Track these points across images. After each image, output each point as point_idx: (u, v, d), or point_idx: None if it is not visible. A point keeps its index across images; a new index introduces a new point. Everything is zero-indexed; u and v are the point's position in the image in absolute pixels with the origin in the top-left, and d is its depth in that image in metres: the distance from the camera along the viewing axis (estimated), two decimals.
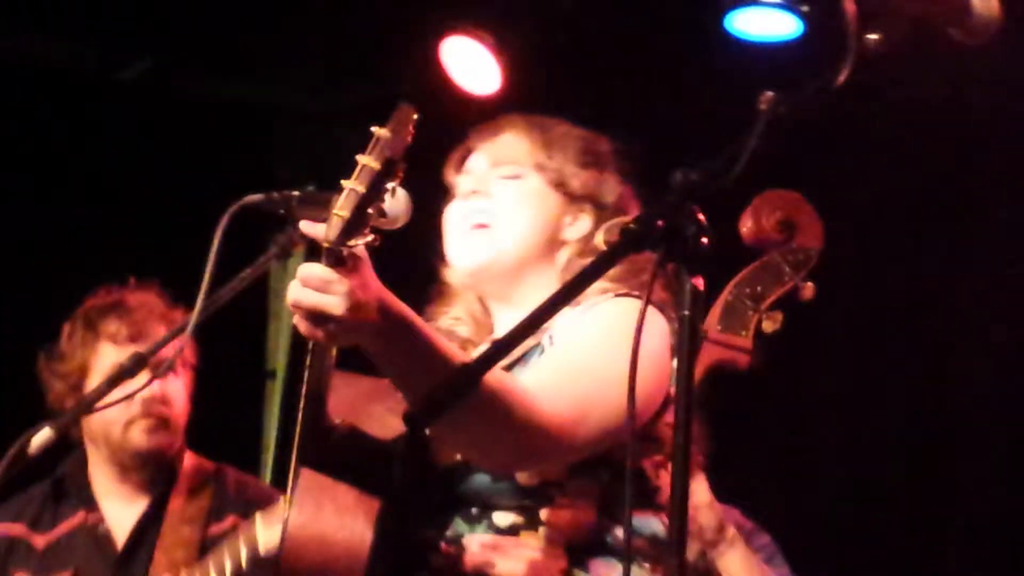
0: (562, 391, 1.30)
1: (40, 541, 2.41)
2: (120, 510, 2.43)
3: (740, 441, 2.81)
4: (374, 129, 1.15)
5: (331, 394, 1.45)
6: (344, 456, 1.41)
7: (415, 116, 1.18)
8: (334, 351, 1.38)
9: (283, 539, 1.37)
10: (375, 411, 1.43)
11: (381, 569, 1.35)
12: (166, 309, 2.40)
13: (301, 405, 1.42)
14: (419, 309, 1.41)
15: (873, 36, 1.13)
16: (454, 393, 0.98)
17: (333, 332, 1.17)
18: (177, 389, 2.39)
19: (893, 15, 1.16)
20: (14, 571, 2.40)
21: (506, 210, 1.52)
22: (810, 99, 1.13)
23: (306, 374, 1.41)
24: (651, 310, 1.22)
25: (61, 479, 2.46)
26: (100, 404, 1.92)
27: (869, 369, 3.31)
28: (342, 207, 1.12)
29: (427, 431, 1.24)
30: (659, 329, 1.38)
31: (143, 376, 1.80)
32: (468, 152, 1.61)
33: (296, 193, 1.63)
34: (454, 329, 1.56)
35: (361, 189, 1.11)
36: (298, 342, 2.64)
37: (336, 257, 1.12)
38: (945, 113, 3.02)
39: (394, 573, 1.38)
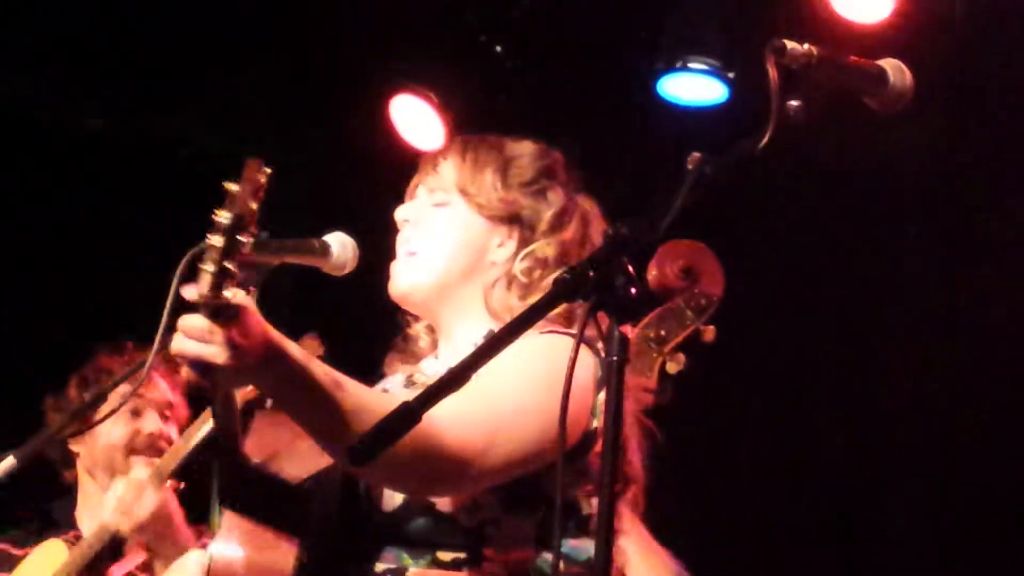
0: (474, 418, 1.31)
1: (20, 552, 2.53)
2: None
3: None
4: (226, 184, 1.20)
5: (254, 434, 1.49)
6: (263, 495, 1.44)
7: (266, 170, 1.22)
8: (236, 396, 1.44)
9: None
10: (300, 447, 1.45)
11: None
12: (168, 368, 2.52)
13: (213, 449, 1.47)
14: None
15: (795, 103, 1.22)
16: (394, 430, 1.02)
17: (219, 379, 1.24)
18: (172, 430, 2.55)
19: (814, 84, 1.25)
20: None
21: (431, 237, 1.54)
22: (735, 161, 1.22)
23: (213, 420, 1.45)
24: (562, 342, 1.33)
25: (49, 511, 2.61)
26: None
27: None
28: (206, 262, 1.17)
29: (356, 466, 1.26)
30: (585, 363, 1.37)
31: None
32: (416, 184, 1.64)
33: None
34: (419, 337, 1.61)
35: (219, 244, 1.16)
36: None
37: (212, 309, 1.17)
38: (845, 166, 3.22)
39: None
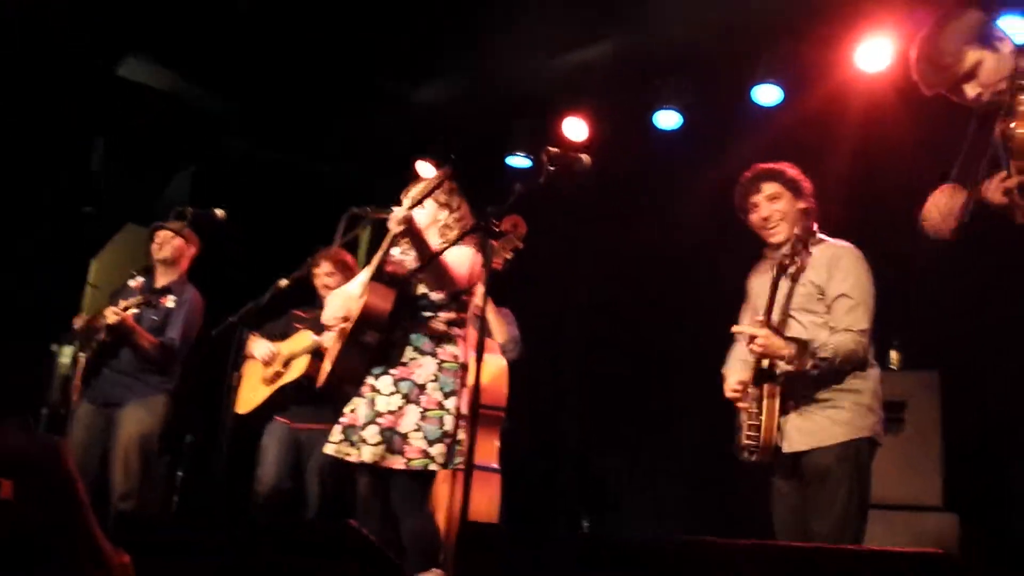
0: (457, 265, 3.58)
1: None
2: None
3: None
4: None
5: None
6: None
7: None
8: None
9: None
10: None
11: None
12: None
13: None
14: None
15: (552, 168, 3.50)
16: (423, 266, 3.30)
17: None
18: None
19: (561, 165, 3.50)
20: None
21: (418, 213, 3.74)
22: (531, 187, 3.49)
23: None
24: (471, 249, 3.55)
25: None
26: None
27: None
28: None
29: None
30: (469, 252, 3.61)
31: None
32: None
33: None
34: (404, 258, 3.80)
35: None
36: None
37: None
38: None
39: None
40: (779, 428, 3.43)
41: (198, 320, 5.09)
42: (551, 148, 3.37)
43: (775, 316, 3.47)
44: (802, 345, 3.39)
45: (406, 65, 6.08)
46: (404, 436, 3.52)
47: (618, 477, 6.38)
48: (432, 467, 3.51)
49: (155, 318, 5.01)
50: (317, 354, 4.66)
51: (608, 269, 6.47)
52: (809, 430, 3.41)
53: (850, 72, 5.43)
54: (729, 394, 3.58)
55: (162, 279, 5.15)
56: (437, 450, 3.51)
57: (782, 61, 5.55)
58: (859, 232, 5.50)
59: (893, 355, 5.19)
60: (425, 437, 3.53)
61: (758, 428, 3.40)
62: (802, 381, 3.42)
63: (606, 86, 6.01)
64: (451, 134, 6.45)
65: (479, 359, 3.00)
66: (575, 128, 6.18)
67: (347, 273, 4.85)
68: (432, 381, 3.61)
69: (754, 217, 3.70)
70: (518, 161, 6.45)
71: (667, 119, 5.97)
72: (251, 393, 4.88)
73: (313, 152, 6.97)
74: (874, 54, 5.32)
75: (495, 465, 4.76)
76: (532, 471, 6.02)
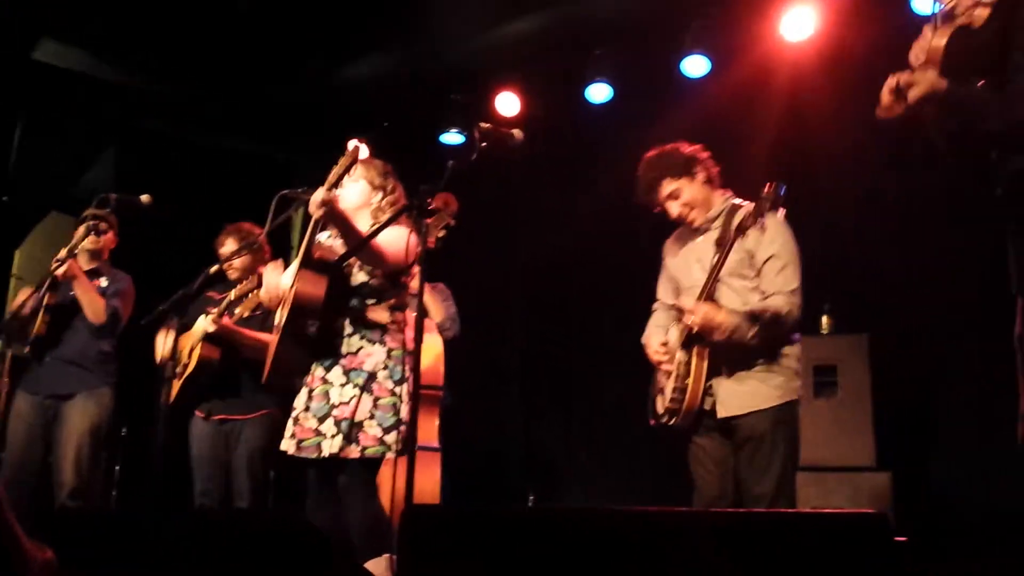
0: (392, 246, 3.54)
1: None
2: None
3: None
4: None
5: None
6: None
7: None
8: None
9: None
10: None
11: None
12: None
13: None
14: None
15: (484, 144, 3.49)
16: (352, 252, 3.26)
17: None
18: None
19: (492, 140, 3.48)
20: None
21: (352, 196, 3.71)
22: (457, 167, 3.45)
23: None
24: (406, 229, 3.53)
25: None
26: None
27: None
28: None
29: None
30: (404, 231, 3.52)
31: None
32: None
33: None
34: (333, 243, 3.75)
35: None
36: None
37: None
38: None
39: None
40: (709, 392, 3.48)
41: (131, 301, 4.97)
42: (483, 124, 3.34)
43: (705, 284, 3.52)
44: (742, 316, 3.44)
45: (335, 41, 5.99)
46: (360, 425, 3.51)
47: (562, 451, 6.43)
48: (389, 455, 3.50)
49: None
50: (211, 338, 4.60)
51: (543, 242, 6.48)
52: (744, 394, 3.47)
53: (775, 42, 5.50)
54: (654, 357, 3.62)
55: (89, 264, 5.00)
56: (392, 437, 3.50)
57: (709, 32, 5.60)
58: (787, 199, 5.62)
59: (824, 320, 5.30)
60: (380, 425, 3.52)
61: (684, 391, 3.45)
62: (735, 346, 3.45)
63: (537, 60, 6.00)
64: (383, 111, 6.39)
65: (418, 341, 2.98)
66: (507, 103, 6.17)
67: (253, 251, 4.78)
68: (382, 369, 3.59)
69: (670, 214, 3.71)
70: (451, 137, 6.41)
71: (598, 92, 5.99)
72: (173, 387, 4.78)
73: (240, 132, 6.84)
74: (798, 23, 5.39)
75: (435, 444, 4.76)
76: (476, 448, 6.04)
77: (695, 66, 5.69)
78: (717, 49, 5.64)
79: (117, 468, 5.02)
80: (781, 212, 3.63)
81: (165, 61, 6.09)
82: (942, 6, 2.64)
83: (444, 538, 2.10)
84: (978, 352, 4.79)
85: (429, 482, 4.59)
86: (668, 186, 3.66)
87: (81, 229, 4.79)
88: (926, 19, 2.71)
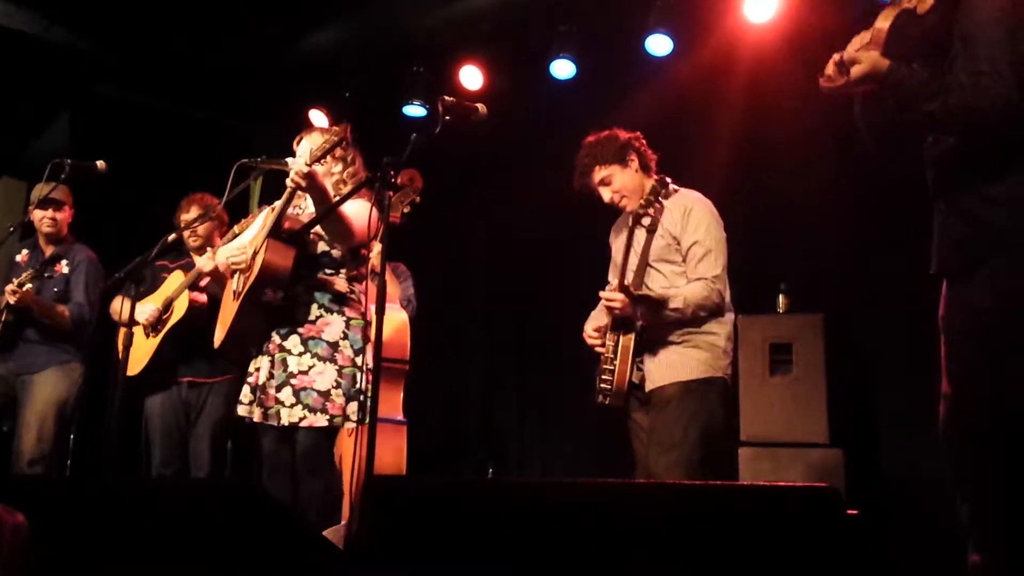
0: (358, 220, 3.52)
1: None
2: None
3: None
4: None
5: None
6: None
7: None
8: None
9: None
10: None
11: None
12: None
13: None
14: None
15: (448, 119, 3.48)
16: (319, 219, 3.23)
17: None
18: None
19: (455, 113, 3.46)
20: None
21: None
22: (425, 138, 3.43)
23: None
24: (368, 203, 3.50)
25: None
26: None
27: None
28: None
29: None
30: (367, 206, 3.50)
31: None
32: None
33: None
34: (299, 212, 3.73)
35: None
36: None
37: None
38: None
39: None
40: (639, 370, 3.58)
41: (100, 275, 4.97)
42: (447, 98, 3.32)
43: (635, 269, 3.61)
44: (654, 300, 3.54)
45: (295, 8, 5.91)
46: (325, 394, 3.50)
47: (520, 426, 6.47)
48: (349, 424, 3.51)
49: (56, 288, 4.91)
50: (194, 286, 4.65)
51: (506, 219, 6.49)
52: (667, 365, 3.58)
53: (738, 22, 5.53)
54: (588, 342, 3.70)
55: (48, 248, 5.02)
56: (352, 408, 3.51)
57: (672, 12, 5.61)
58: (748, 179, 5.69)
59: (780, 299, 5.38)
60: (344, 394, 3.52)
61: (612, 372, 3.55)
62: (663, 326, 3.58)
63: (501, 35, 5.97)
64: (345, 81, 6.33)
65: (380, 313, 2.98)
66: (471, 77, 6.14)
67: (214, 218, 4.81)
68: (343, 339, 3.59)
69: (603, 199, 3.80)
70: (414, 110, 6.37)
71: (562, 69, 5.98)
72: (139, 352, 4.75)
73: (199, 100, 6.73)
74: (761, 5, 5.42)
75: (400, 417, 4.77)
76: (436, 421, 6.05)
77: (659, 45, 5.70)
78: (680, 29, 5.65)
79: (71, 437, 4.97)
80: (696, 195, 3.71)
81: (120, 25, 5.96)
82: None
83: (404, 508, 2.11)
84: (931, 332, 4.88)
85: (393, 454, 4.59)
86: (600, 172, 3.76)
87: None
88: (885, 3, 2.77)
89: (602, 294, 3.63)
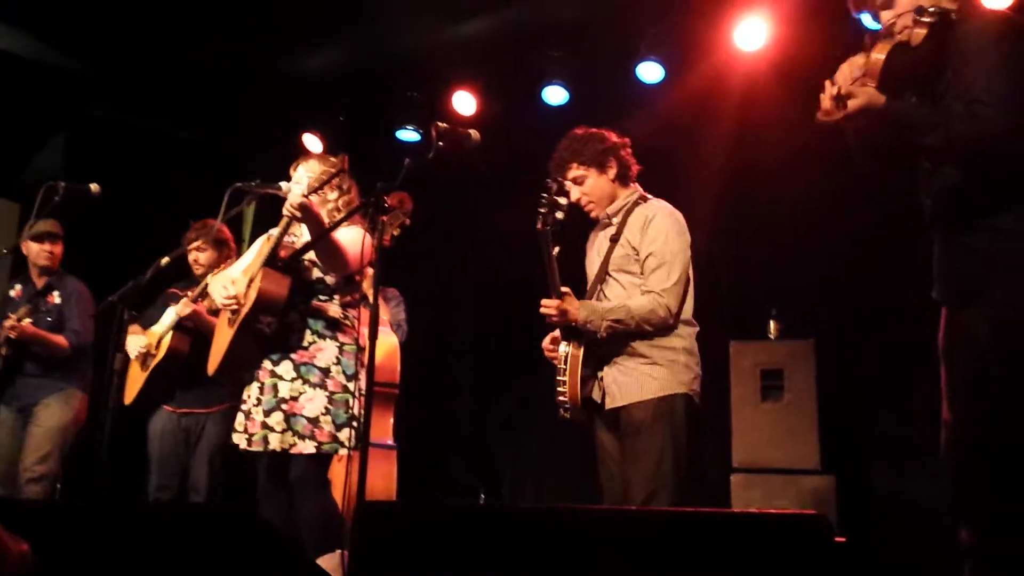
0: (352, 248, 3.53)
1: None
2: None
3: None
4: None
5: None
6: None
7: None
8: None
9: None
10: None
11: None
12: None
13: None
14: None
15: (441, 144, 3.50)
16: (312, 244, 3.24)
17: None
18: None
19: (449, 140, 3.50)
20: None
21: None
22: (419, 164, 3.46)
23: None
24: (361, 230, 3.52)
25: None
26: None
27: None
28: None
29: None
30: (361, 233, 3.51)
31: None
32: None
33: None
34: (295, 240, 3.73)
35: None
36: None
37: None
38: None
39: None
40: (595, 383, 3.51)
41: (91, 304, 5.07)
42: (440, 123, 3.34)
43: (593, 278, 3.61)
44: (597, 309, 3.48)
45: (289, 33, 5.94)
46: (314, 420, 3.50)
47: (511, 446, 6.46)
48: (342, 451, 3.50)
49: (50, 319, 5.00)
50: (179, 327, 4.64)
51: (496, 243, 6.50)
52: (627, 385, 3.50)
53: (729, 51, 5.58)
54: (545, 353, 3.68)
55: (40, 280, 5.12)
56: (345, 434, 3.50)
57: (663, 40, 5.66)
58: (738, 205, 5.73)
59: (772, 325, 5.40)
60: (333, 421, 3.52)
61: (565, 383, 3.50)
62: (618, 339, 3.49)
63: (494, 60, 6.02)
64: (339, 104, 6.36)
65: (372, 338, 2.99)
66: (464, 102, 6.18)
67: (220, 248, 4.82)
68: (335, 364, 3.59)
69: (570, 196, 3.73)
70: (407, 134, 6.40)
71: (555, 95, 6.02)
72: (133, 383, 4.76)
73: (193, 123, 6.75)
74: (751, 34, 5.48)
75: (390, 442, 4.76)
76: (427, 447, 6.03)
77: (650, 72, 5.75)
78: (671, 56, 5.70)
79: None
80: (661, 205, 3.65)
81: (114, 48, 5.98)
82: (881, 26, 2.75)
83: (396, 534, 2.11)
84: (923, 358, 4.90)
85: (383, 479, 4.58)
86: (575, 170, 3.72)
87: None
88: (872, 33, 2.80)
89: (544, 302, 3.55)
